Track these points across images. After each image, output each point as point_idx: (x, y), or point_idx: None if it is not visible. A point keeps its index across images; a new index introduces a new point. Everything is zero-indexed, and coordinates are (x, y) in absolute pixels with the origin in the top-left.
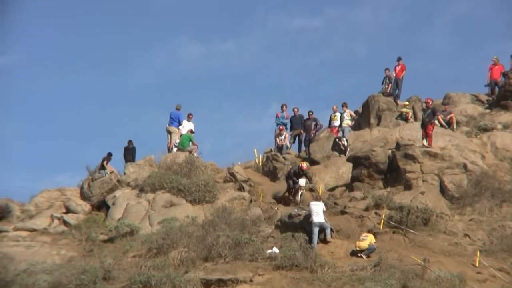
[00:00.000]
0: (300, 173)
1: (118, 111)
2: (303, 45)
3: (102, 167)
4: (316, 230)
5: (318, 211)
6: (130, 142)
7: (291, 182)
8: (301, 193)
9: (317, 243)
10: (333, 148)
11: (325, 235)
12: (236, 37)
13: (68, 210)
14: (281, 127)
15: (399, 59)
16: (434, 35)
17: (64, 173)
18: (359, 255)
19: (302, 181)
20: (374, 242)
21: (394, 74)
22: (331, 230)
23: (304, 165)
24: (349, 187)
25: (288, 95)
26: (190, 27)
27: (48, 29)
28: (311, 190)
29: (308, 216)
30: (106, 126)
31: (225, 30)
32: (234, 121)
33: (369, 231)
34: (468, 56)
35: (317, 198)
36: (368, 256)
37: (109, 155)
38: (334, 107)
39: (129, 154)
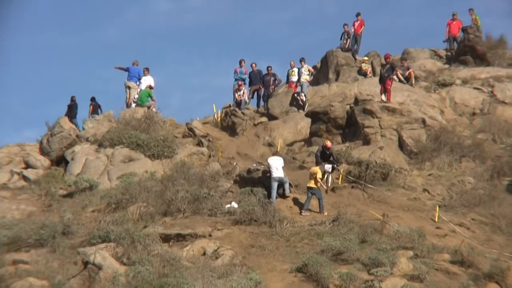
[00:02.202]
0: (326, 152)
1: (88, 67)
2: (273, 1)
3: (94, 112)
4: (275, 185)
5: (277, 166)
6: (72, 98)
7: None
8: (327, 177)
9: (276, 198)
10: (291, 104)
11: (284, 190)
12: None
13: (28, 166)
14: (240, 83)
15: (358, 14)
16: None
17: (31, 129)
18: (302, 213)
19: (327, 166)
20: (320, 178)
21: (353, 30)
22: (290, 185)
23: (328, 143)
24: (308, 142)
25: (258, 51)
26: None
27: None
28: (270, 145)
29: (267, 171)
30: (76, 82)
31: None
32: (203, 77)
33: (318, 163)
34: (436, 12)
35: (275, 153)
36: (323, 212)
37: (93, 99)
38: (292, 62)
39: (72, 110)
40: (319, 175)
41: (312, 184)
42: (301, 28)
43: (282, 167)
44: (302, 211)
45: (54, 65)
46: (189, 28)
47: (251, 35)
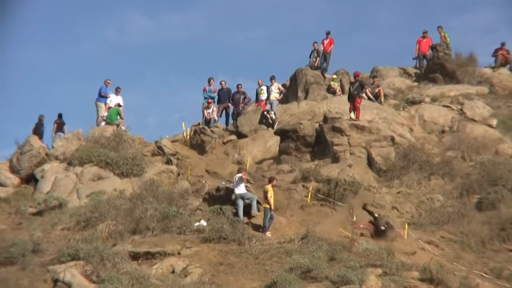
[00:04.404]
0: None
1: (65, 84)
2: (250, 18)
3: (59, 129)
4: (239, 202)
5: (239, 183)
6: (40, 117)
7: None
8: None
9: (244, 215)
10: (260, 122)
11: (251, 208)
12: (183, 9)
13: None
14: (209, 100)
15: (328, 33)
16: (381, 8)
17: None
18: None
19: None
20: (271, 197)
21: (322, 48)
22: (258, 202)
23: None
24: (277, 160)
25: (235, 68)
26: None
27: None
28: (239, 163)
29: (233, 189)
30: (53, 100)
31: (172, 3)
32: (180, 95)
33: (270, 180)
34: (406, 30)
35: (239, 170)
36: (264, 231)
37: (60, 116)
38: (260, 81)
39: (37, 129)
40: (270, 194)
41: (266, 204)
42: (278, 45)
43: (248, 184)
44: (264, 233)
45: (31, 81)
46: (166, 45)
47: (228, 52)
